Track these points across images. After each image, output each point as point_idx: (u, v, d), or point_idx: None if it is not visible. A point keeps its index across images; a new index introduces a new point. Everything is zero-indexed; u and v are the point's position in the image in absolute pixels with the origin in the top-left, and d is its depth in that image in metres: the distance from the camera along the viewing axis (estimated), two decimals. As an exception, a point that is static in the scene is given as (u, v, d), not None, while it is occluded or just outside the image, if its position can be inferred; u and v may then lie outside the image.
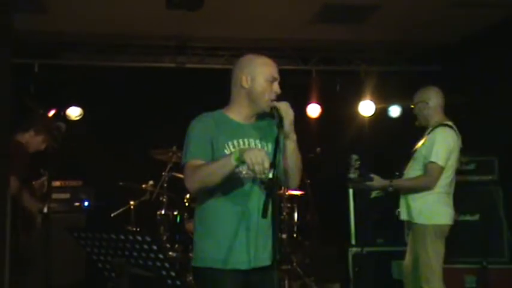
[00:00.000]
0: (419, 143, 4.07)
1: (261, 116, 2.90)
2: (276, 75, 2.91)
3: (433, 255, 3.85)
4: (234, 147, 2.75)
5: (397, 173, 4.12)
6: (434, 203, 3.90)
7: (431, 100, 4.05)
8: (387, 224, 4.71)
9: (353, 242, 5.49)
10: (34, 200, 4.05)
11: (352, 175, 3.94)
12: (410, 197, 3.97)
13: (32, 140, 4.11)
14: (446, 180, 3.91)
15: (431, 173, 3.85)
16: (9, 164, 3.62)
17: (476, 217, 5.09)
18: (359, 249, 5.43)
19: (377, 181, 3.98)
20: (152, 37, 6.18)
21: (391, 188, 3.99)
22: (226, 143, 2.76)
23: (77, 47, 6.24)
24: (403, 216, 4.04)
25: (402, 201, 4.05)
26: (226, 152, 2.73)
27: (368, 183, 3.99)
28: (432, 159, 3.84)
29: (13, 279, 3.53)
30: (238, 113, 2.86)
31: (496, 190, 5.16)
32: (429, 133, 4.02)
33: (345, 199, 5.50)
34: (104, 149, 5.85)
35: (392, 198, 4.24)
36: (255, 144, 2.81)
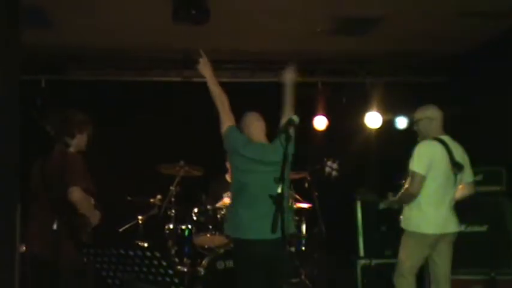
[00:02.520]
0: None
1: None
2: None
3: (405, 259, 4.13)
4: None
5: (403, 181, 4.28)
6: (418, 212, 4.11)
7: (434, 116, 4.26)
8: (395, 236, 4.68)
9: (361, 254, 5.47)
10: (95, 211, 4.03)
11: (327, 174, 4.14)
12: (406, 206, 4.21)
13: (81, 141, 4.11)
14: (427, 190, 4.08)
15: (411, 181, 4.11)
16: (71, 177, 3.69)
17: (484, 228, 5.07)
18: (367, 261, 5.41)
19: (389, 200, 4.38)
20: (159, 51, 6.22)
21: (396, 205, 4.33)
22: None
23: (83, 61, 6.29)
24: (401, 223, 4.26)
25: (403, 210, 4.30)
26: None
27: (384, 201, 4.39)
28: (412, 168, 4.10)
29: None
30: None
31: (504, 201, 5.14)
32: None
33: (353, 211, 5.49)
34: (111, 163, 5.87)
35: (400, 209, 4.30)
36: None
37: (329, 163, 4.17)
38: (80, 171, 3.82)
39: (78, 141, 4.06)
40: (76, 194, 3.70)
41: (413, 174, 4.06)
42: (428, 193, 4.07)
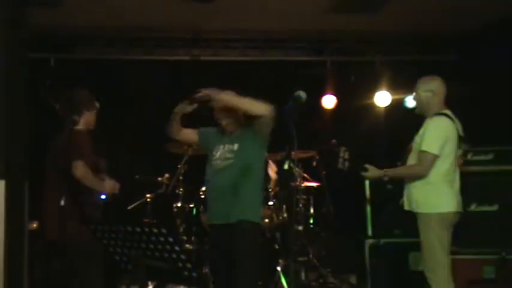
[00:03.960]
0: (418, 133, 4.08)
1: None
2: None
3: (438, 244, 3.88)
4: None
5: (399, 163, 4.14)
6: (435, 191, 3.93)
7: (439, 91, 4.06)
8: (404, 215, 4.68)
9: (369, 233, 5.46)
10: (103, 182, 4.04)
11: (341, 166, 3.98)
12: (413, 186, 4.00)
13: (90, 119, 4.12)
14: (443, 167, 3.93)
15: (422, 162, 3.91)
16: (74, 152, 3.69)
17: (495, 207, 5.02)
18: (376, 240, 5.40)
19: (371, 171, 4.02)
20: (167, 30, 6.19)
21: (386, 178, 4.03)
22: None
23: (92, 40, 6.28)
24: (407, 205, 4.09)
25: (406, 191, 4.09)
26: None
27: (363, 173, 4.03)
28: (423, 148, 3.90)
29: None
30: None
31: (515, 180, 5.08)
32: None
33: (361, 190, 5.47)
34: (119, 142, 5.87)
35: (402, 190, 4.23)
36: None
37: (341, 154, 4.05)
38: (84, 146, 3.82)
39: (87, 119, 4.06)
40: (79, 169, 3.69)
41: (426, 153, 3.88)
42: (443, 171, 3.92)
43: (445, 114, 4.01)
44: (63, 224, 3.41)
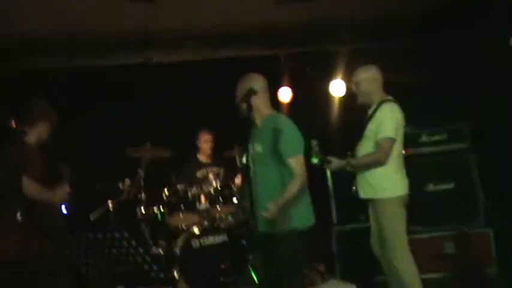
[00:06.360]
0: (368, 121, 4.19)
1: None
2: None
3: (398, 224, 4.03)
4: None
5: (349, 153, 4.23)
6: (394, 176, 4.07)
7: (378, 76, 4.21)
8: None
9: (335, 220, 5.53)
10: (49, 191, 3.94)
11: (315, 160, 4.01)
12: (369, 174, 4.11)
13: (42, 130, 4.03)
14: (396, 152, 4.07)
15: (383, 148, 4.02)
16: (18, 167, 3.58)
17: (451, 185, 5.16)
18: (341, 227, 5.48)
19: (335, 162, 4.13)
20: (116, 33, 6.09)
21: (349, 167, 4.14)
22: None
23: (39, 50, 6.13)
24: (364, 194, 4.18)
25: (360, 180, 4.19)
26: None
27: (327, 165, 4.14)
28: (382, 135, 4.01)
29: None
30: None
31: (470, 157, 5.23)
32: (376, 110, 4.15)
33: (323, 178, 5.53)
34: (76, 150, 5.78)
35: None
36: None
37: (315, 148, 4.03)
38: (25, 159, 3.75)
39: (40, 130, 3.99)
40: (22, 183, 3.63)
41: (386, 140, 3.99)
42: (396, 156, 4.08)
43: (393, 101, 4.15)
44: (22, 240, 3.33)
